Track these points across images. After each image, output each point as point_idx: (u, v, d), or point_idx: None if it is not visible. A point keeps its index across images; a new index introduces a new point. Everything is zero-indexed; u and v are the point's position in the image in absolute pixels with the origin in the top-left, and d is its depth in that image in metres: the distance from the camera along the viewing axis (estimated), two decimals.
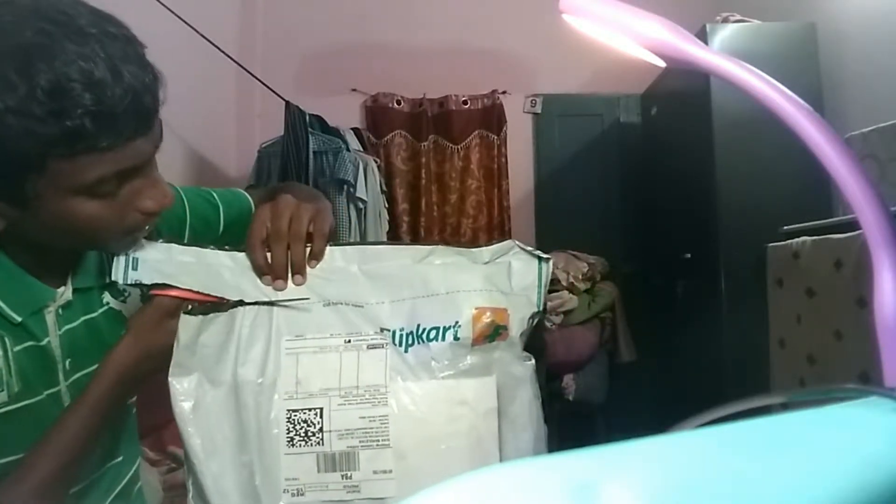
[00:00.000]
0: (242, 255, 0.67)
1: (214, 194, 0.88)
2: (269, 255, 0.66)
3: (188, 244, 0.68)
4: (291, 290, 0.66)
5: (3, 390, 0.59)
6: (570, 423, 2.72)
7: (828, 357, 1.71)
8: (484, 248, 0.68)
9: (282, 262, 0.66)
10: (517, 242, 0.68)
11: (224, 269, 0.66)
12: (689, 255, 2.61)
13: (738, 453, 0.23)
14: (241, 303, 0.64)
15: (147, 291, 0.65)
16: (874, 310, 0.33)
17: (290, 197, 0.69)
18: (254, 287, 0.65)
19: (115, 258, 0.65)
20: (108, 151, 0.54)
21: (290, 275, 0.66)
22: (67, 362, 0.66)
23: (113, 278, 0.65)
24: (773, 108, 0.36)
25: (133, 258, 0.65)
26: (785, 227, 2.04)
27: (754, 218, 2.21)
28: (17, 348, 0.61)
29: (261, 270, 0.66)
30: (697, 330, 2.57)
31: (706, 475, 0.21)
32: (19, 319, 0.61)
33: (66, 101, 0.50)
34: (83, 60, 0.51)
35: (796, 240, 1.88)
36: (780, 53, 2.38)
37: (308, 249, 0.67)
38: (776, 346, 1.98)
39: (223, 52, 2.64)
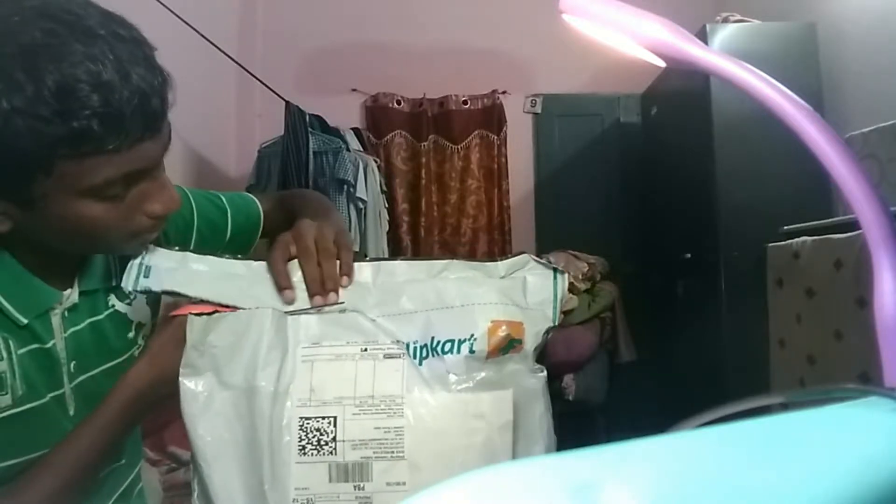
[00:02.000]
0: (257, 263, 0.66)
1: (223, 198, 0.88)
2: (298, 274, 0.65)
3: (203, 253, 0.67)
4: (303, 301, 0.65)
5: (7, 393, 0.59)
6: (570, 423, 2.72)
7: (828, 357, 1.71)
8: (499, 262, 0.67)
9: (316, 277, 0.64)
10: (532, 257, 0.68)
11: (239, 278, 0.65)
12: (689, 255, 2.61)
13: (739, 453, 0.23)
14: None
15: (155, 298, 0.64)
16: (874, 310, 0.33)
17: (309, 220, 0.69)
18: (270, 296, 0.65)
19: (128, 265, 0.64)
20: (115, 153, 0.53)
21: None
22: (72, 365, 0.66)
23: (123, 285, 0.63)
24: (773, 108, 0.36)
25: (146, 266, 0.64)
26: (785, 227, 2.04)
27: (754, 218, 2.21)
28: (22, 351, 0.61)
29: (281, 287, 0.65)
30: (697, 330, 2.57)
31: (706, 475, 0.21)
32: (25, 321, 0.61)
33: (74, 102, 0.50)
34: (91, 61, 0.50)
35: (796, 240, 1.88)
36: (780, 53, 2.38)
37: (338, 265, 0.66)
38: (776, 346, 1.98)
39: (223, 52, 2.64)
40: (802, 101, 0.36)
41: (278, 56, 3.51)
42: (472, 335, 0.62)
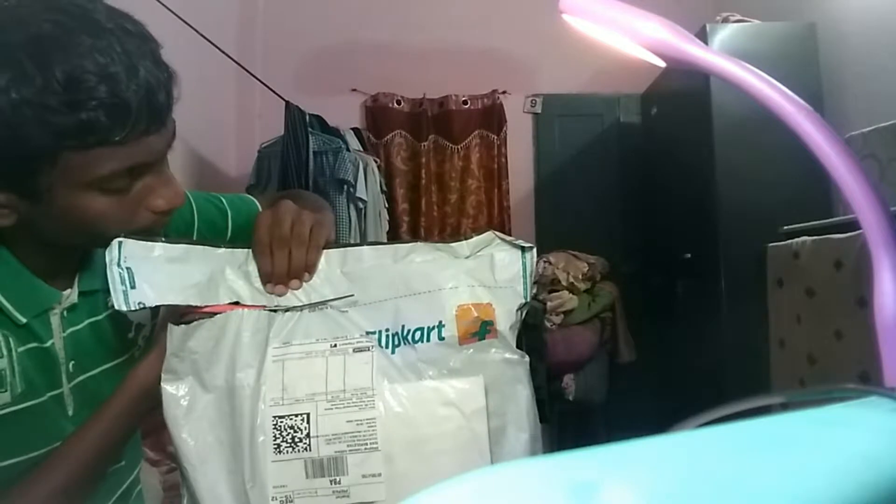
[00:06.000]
0: (239, 251, 0.66)
1: (223, 200, 0.88)
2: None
3: (177, 242, 0.65)
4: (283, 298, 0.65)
5: (6, 391, 0.59)
6: (570, 423, 2.72)
7: (828, 357, 1.71)
8: (464, 241, 0.66)
9: (283, 267, 0.65)
10: (497, 234, 0.66)
11: (217, 273, 0.65)
12: (689, 255, 2.61)
13: (739, 453, 0.23)
14: (236, 303, 0.64)
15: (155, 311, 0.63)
16: (874, 310, 0.33)
17: (291, 202, 0.69)
18: (253, 291, 0.65)
19: (108, 278, 0.61)
20: (121, 146, 0.54)
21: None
22: (71, 364, 0.66)
23: (116, 306, 0.62)
24: (773, 108, 0.36)
25: (126, 268, 0.62)
26: (785, 227, 2.04)
27: (754, 218, 2.21)
28: (21, 349, 0.61)
29: (268, 278, 0.65)
30: (697, 330, 2.57)
31: (706, 475, 0.21)
32: (24, 320, 0.61)
33: (81, 93, 0.50)
34: (99, 53, 0.51)
35: (796, 240, 1.88)
36: (780, 53, 2.38)
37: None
38: (776, 346, 1.98)
39: (223, 52, 2.64)
40: (802, 101, 0.36)
41: (278, 56, 3.51)
42: (441, 321, 0.61)
